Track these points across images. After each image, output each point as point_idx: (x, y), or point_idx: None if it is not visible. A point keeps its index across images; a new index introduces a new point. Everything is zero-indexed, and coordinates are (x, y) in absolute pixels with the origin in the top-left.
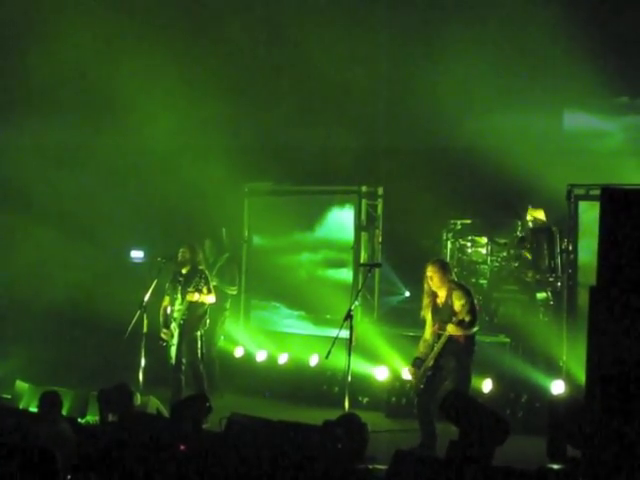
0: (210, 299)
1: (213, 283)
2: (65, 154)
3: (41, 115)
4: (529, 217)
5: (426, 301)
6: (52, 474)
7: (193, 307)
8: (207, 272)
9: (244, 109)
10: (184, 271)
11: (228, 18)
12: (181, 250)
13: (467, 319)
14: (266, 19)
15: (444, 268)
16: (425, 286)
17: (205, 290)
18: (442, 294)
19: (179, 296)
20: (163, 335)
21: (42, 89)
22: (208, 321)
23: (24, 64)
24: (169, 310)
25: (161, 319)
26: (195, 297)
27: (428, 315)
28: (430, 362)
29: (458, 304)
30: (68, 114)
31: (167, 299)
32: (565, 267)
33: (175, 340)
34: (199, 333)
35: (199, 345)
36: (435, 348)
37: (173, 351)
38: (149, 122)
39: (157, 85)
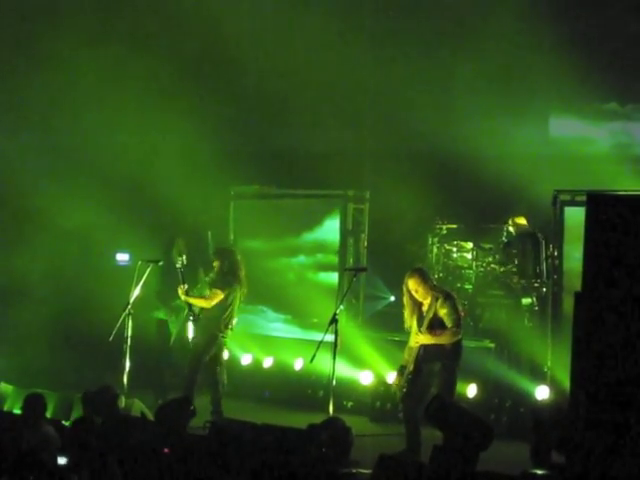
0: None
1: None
2: (49, 156)
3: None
4: (511, 223)
5: (408, 312)
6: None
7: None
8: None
9: (230, 112)
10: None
11: (216, 23)
12: (214, 264)
13: (449, 325)
14: (251, 22)
15: (425, 277)
16: (405, 299)
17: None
18: (427, 302)
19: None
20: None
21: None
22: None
23: None
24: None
25: None
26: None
27: (414, 324)
28: (410, 367)
29: (442, 312)
30: (47, 115)
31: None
32: (550, 273)
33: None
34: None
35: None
36: (412, 353)
37: None
38: (135, 125)
39: (145, 88)
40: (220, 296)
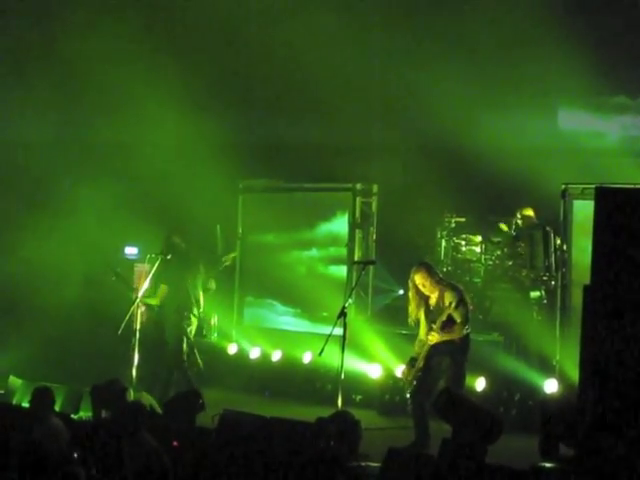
0: None
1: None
2: (59, 150)
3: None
4: (519, 216)
5: (413, 306)
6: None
7: None
8: None
9: (239, 106)
10: None
11: (226, 13)
12: None
13: (458, 320)
14: (259, 15)
15: (431, 271)
16: (411, 294)
17: None
18: (434, 295)
19: None
20: None
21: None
22: None
23: None
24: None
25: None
26: None
27: (421, 316)
28: (420, 363)
29: (454, 312)
30: (59, 110)
31: None
32: (559, 266)
33: None
34: None
35: None
36: (423, 351)
37: None
38: (143, 119)
39: (151, 83)
40: (164, 290)
